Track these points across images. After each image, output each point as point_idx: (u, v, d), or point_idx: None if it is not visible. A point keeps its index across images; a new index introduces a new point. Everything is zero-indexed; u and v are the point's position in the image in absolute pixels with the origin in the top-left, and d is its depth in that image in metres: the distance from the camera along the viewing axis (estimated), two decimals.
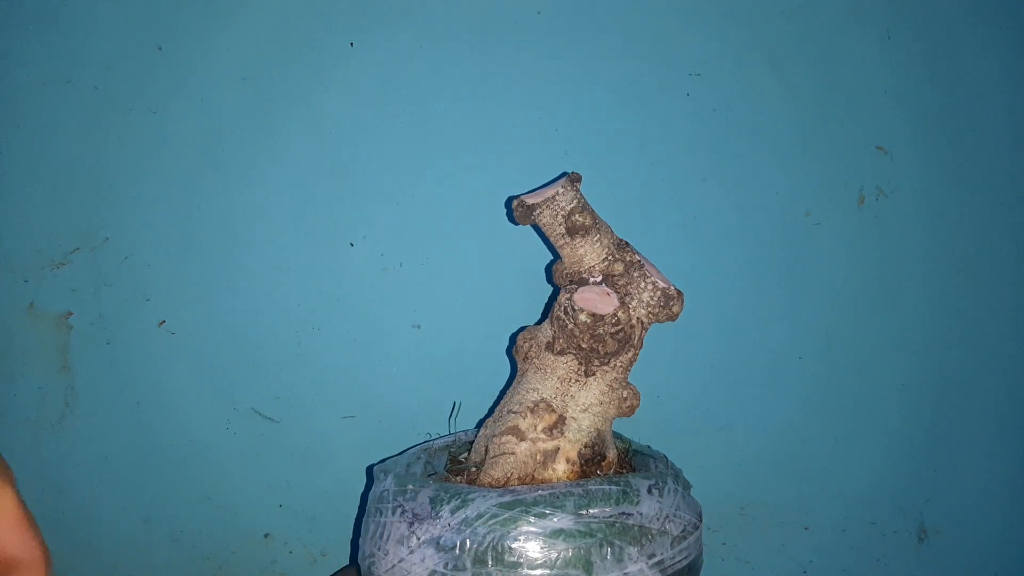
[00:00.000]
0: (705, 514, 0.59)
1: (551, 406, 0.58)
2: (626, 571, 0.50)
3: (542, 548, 0.49)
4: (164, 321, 0.73)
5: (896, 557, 0.84)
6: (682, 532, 0.54)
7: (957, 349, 0.83)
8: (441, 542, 0.50)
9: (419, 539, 0.51)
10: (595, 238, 0.58)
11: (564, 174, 0.60)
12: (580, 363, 0.58)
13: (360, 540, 0.58)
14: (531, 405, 0.58)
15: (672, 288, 0.59)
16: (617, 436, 0.65)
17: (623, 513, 0.51)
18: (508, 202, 0.74)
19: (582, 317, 0.57)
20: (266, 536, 0.77)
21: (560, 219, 0.58)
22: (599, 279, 0.59)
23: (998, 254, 0.82)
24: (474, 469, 0.60)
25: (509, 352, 0.76)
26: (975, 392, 0.83)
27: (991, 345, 0.83)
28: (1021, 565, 0.85)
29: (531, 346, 0.61)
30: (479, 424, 0.65)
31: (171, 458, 0.75)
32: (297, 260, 0.74)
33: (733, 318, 0.80)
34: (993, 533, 0.85)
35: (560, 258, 0.62)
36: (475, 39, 0.74)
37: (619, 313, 0.57)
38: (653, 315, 0.59)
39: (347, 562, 0.77)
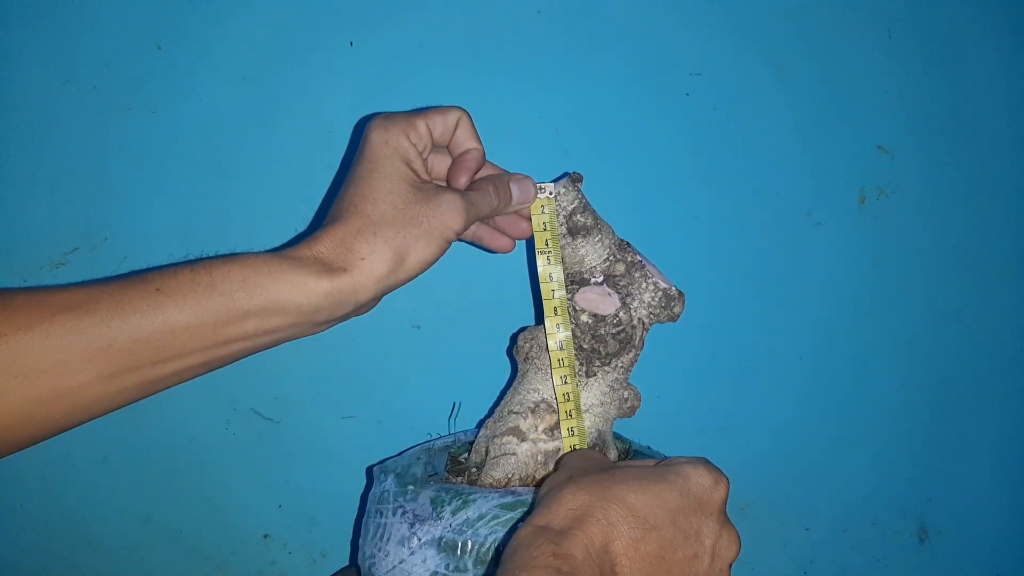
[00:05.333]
0: None
1: (552, 407, 0.58)
2: None
3: None
4: None
5: (896, 557, 0.84)
6: None
7: (957, 349, 0.83)
8: (443, 543, 0.50)
9: (420, 540, 0.51)
10: (596, 238, 0.58)
11: (565, 174, 0.60)
12: (581, 364, 0.58)
13: (360, 541, 0.58)
14: (532, 406, 0.58)
15: (673, 288, 0.59)
16: (617, 436, 0.65)
17: None
18: None
19: (584, 318, 0.57)
20: (265, 537, 0.77)
21: (561, 219, 0.58)
22: (600, 279, 0.59)
23: (999, 254, 0.82)
24: (475, 470, 0.60)
25: (509, 352, 0.76)
26: (975, 392, 0.83)
27: (991, 345, 0.83)
28: (1021, 565, 0.85)
29: (532, 346, 0.61)
30: (479, 424, 0.65)
31: (171, 458, 0.75)
32: None
33: (733, 318, 0.80)
34: (994, 533, 0.85)
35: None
36: (475, 39, 0.74)
37: (620, 314, 0.57)
38: (654, 315, 0.59)
39: (347, 563, 0.77)
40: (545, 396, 0.58)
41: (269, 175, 0.73)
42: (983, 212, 0.82)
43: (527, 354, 0.61)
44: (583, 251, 0.58)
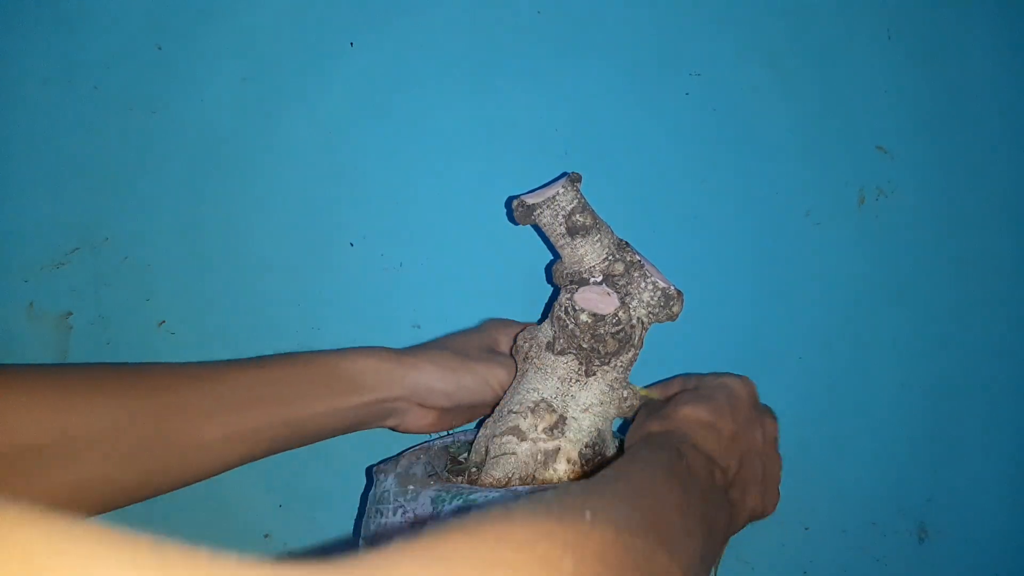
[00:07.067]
0: None
1: (552, 406, 0.58)
2: None
3: None
4: (164, 321, 0.73)
5: (896, 557, 0.84)
6: None
7: (957, 349, 0.83)
8: None
9: None
10: (595, 238, 0.59)
11: (564, 174, 0.60)
12: (580, 363, 0.58)
13: (360, 541, 0.58)
14: (531, 405, 0.58)
15: (672, 288, 0.59)
16: (617, 436, 0.65)
17: None
18: (508, 202, 0.74)
19: (583, 317, 0.57)
20: (266, 536, 0.77)
21: (560, 219, 0.58)
22: (599, 279, 0.59)
23: (999, 254, 0.82)
24: (475, 470, 0.60)
25: (509, 352, 0.76)
26: (975, 392, 0.83)
27: (992, 345, 0.83)
28: (1021, 565, 0.85)
29: (531, 346, 0.61)
30: (479, 424, 0.65)
31: None
32: (297, 260, 0.74)
33: (733, 318, 0.80)
34: (994, 533, 0.85)
35: (560, 258, 0.62)
36: (475, 39, 0.74)
37: (620, 313, 0.57)
38: (653, 315, 0.59)
39: None
40: (545, 396, 0.58)
41: (269, 175, 0.73)
42: (983, 212, 0.82)
43: (527, 354, 0.61)
44: (582, 251, 0.59)
